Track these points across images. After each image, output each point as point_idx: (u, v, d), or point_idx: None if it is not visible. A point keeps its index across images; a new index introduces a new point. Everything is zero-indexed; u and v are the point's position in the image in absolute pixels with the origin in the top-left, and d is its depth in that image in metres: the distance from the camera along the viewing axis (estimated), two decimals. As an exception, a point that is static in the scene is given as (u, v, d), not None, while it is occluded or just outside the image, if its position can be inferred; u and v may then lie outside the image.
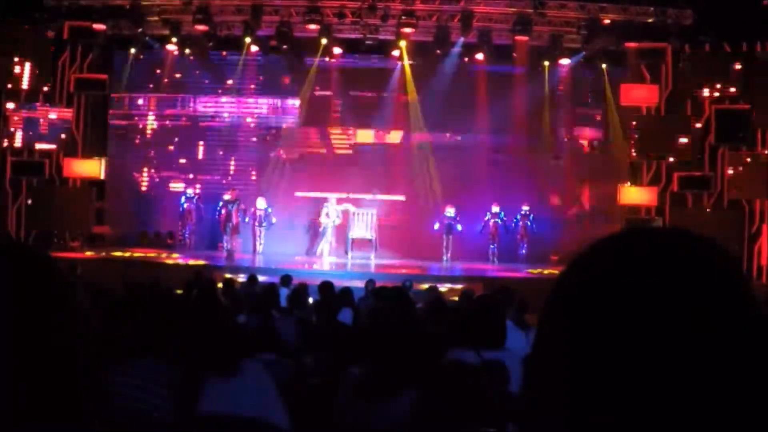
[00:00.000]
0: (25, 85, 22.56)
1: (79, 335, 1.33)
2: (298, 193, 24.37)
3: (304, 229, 23.98)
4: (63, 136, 23.15)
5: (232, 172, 25.28)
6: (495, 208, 23.16)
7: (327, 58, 24.13)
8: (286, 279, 13.51)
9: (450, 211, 23.09)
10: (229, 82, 25.09)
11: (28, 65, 22.40)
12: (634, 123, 23.21)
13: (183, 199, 23.24)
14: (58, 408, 1.27)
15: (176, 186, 24.89)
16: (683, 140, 22.12)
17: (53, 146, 23.09)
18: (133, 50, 23.88)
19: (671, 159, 22.55)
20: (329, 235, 23.00)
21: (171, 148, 25.22)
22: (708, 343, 0.96)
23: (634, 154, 23.43)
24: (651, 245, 1.04)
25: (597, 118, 24.85)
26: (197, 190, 23.69)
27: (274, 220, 23.00)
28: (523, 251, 23.35)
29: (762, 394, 0.96)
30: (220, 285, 11.60)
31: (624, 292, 0.99)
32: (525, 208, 23.30)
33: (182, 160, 25.26)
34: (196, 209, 23.20)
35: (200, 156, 25.34)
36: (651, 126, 22.77)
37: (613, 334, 0.98)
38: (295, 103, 25.03)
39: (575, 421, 1.00)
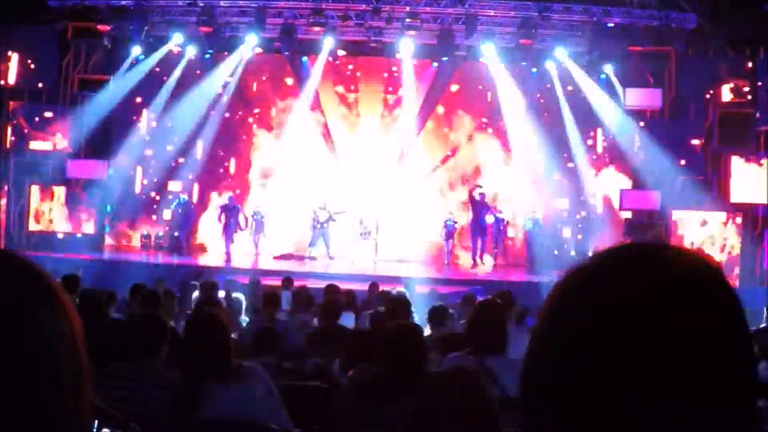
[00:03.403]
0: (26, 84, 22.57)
1: (60, 345, 1.28)
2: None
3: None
4: (66, 136, 23.14)
5: (232, 175, 25.25)
6: (498, 214, 23.03)
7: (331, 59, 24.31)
8: (288, 281, 13.51)
9: (450, 216, 22.96)
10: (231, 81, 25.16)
11: (31, 65, 22.40)
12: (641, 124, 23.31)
13: (175, 204, 23.14)
14: (39, 421, 1.22)
15: (176, 188, 24.89)
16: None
17: (56, 147, 23.08)
18: (137, 51, 23.90)
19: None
20: (315, 240, 22.86)
21: (172, 149, 25.14)
22: (695, 347, 1.01)
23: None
24: (646, 260, 1.09)
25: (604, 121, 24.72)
26: (184, 194, 23.48)
27: (265, 229, 23.17)
28: (530, 257, 23.21)
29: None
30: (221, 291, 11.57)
31: (618, 301, 1.05)
32: (533, 213, 23.22)
33: (183, 162, 25.17)
34: (188, 212, 23.06)
35: (200, 157, 25.27)
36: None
37: (607, 339, 1.03)
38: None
39: (572, 419, 1.04)
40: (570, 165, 24.65)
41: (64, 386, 1.27)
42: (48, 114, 22.88)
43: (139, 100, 24.94)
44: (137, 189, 25.11)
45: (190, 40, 23.48)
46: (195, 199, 24.37)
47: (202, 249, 24.47)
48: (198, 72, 24.83)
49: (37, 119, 22.73)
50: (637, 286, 1.05)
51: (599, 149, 24.82)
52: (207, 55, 24.11)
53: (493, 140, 25.09)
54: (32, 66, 22.30)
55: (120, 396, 4.64)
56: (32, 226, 22.95)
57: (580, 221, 24.60)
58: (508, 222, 23.47)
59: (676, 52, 22.28)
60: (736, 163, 21.68)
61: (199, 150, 25.20)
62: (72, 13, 22.17)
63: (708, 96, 21.99)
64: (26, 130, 22.67)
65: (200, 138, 25.13)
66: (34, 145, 22.88)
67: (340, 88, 25.26)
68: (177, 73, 24.78)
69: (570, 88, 24.32)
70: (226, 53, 24.32)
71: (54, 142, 22.97)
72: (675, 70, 22.77)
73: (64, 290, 1.36)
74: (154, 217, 24.92)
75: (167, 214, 23.92)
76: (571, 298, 1.11)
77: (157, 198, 25.00)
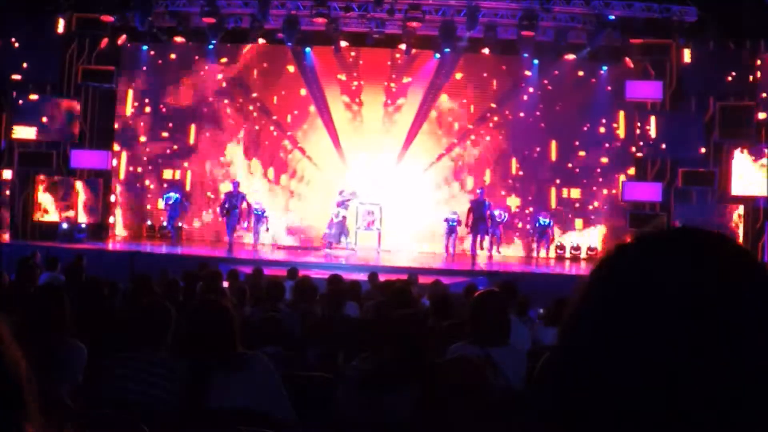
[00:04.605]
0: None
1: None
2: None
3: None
4: (70, 127, 23.15)
5: (233, 165, 25.22)
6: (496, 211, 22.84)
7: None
8: (293, 272, 13.52)
9: (452, 216, 22.53)
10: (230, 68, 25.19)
11: (15, 44, 22.27)
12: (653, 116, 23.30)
13: (164, 198, 22.95)
14: None
15: (171, 176, 24.90)
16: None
17: (60, 138, 23.10)
18: (141, 42, 23.92)
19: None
20: (343, 230, 22.83)
21: (175, 141, 25.12)
22: (735, 327, 1.01)
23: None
24: (692, 242, 1.09)
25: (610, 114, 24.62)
26: (176, 192, 23.25)
27: (267, 227, 23.11)
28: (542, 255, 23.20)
29: None
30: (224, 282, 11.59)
31: (664, 283, 1.04)
32: (544, 219, 23.04)
33: (178, 149, 25.18)
34: (177, 204, 22.83)
35: (197, 145, 25.28)
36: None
37: (650, 321, 1.03)
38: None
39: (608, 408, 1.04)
40: (582, 153, 24.64)
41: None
42: (52, 105, 22.89)
43: (132, 87, 24.96)
44: (121, 176, 25.06)
45: (193, 31, 23.46)
46: (188, 186, 24.47)
47: (204, 239, 24.47)
48: (196, 57, 24.85)
49: (40, 109, 22.73)
50: (687, 271, 1.05)
51: (622, 134, 24.52)
52: (210, 46, 24.10)
53: (498, 129, 25.07)
54: (16, 45, 22.11)
55: (124, 385, 4.68)
56: (36, 216, 22.99)
57: (592, 212, 24.53)
58: (507, 216, 23.34)
59: (676, 45, 22.28)
60: (737, 155, 21.72)
61: (193, 136, 25.18)
62: (76, 4, 22.16)
63: (709, 88, 21.99)
64: (30, 121, 22.68)
65: (197, 126, 25.15)
66: (38, 135, 22.88)
67: (343, 77, 25.23)
68: (173, 57, 24.88)
69: (581, 73, 24.27)
70: (228, 45, 24.37)
71: (58, 132, 22.97)
72: (676, 63, 22.78)
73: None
74: (148, 206, 24.89)
75: (161, 204, 23.78)
76: (607, 281, 1.10)
77: (151, 186, 25.00)
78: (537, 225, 23.20)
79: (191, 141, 25.17)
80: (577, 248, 23.98)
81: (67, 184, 23.34)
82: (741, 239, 21.33)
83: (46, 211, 23.08)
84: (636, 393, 1.01)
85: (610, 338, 1.05)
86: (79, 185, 23.53)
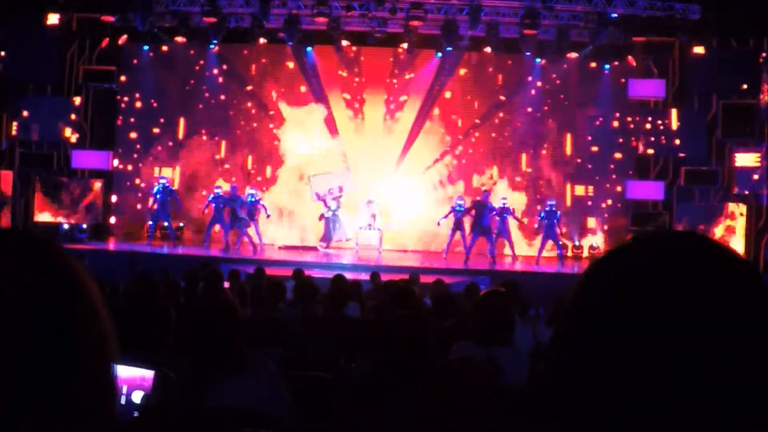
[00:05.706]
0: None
1: (90, 331, 1.30)
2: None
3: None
4: (71, 128, 23.13)
5: (224, 159, 25.19)
6: (503, 202, 22.36)
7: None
8: (299, 273, 13.42)
9: (460, 203, 21.84)
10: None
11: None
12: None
13: (156, 190, 22.48)
14: (64, 406, 1.24)
15: (165, 174, 24.74)
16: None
17: (61, 138, 23.07)
18: (141, 42, 23.92)
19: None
20: (333, 231, 22.75)
21: (159, 132, 25.05)
22: (726, 333, 1.02)
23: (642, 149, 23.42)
24: (682, 247, 1.10)
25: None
26: (163, 180, 22.81)
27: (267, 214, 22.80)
28: (559, 252, 22.18)
29: None
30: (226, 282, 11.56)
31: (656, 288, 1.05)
32: (550, 204, 22.05)
33: (170, 146, 25.07)
34: (167, 199, 22.49)
35: (191, 143, 25.21)
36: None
37: (642, 326, 1.04)
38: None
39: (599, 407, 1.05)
40: (594, 149, 24.54)
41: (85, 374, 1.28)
42: (53, 105, 22.88)
43: (143, 90, 24.93)
44: (145, 178, 24.96)
45: (194, 30, 23.43)
46: (177, 185, 24.42)
47: (207, 238, 24.42)
48: (192, 52, 24.82)
49: (42, 110, 22.70)
50: (677, 268, 1.06)
51: (636, 129, 23.98)
52: (212, 46, 24.09)
53: (504, 126, 24.98)
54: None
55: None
56: (37, 216, 22.97)
57: (606, 210, 24.42)
58: (514, 210, 22.21)
59: (679, 43, 22.23)
60: (740, 153, 21.69)
61: (182, 132, 25.16)
62: (77, 4, 22.13)
63: (712, 87, 21.95)
64: (31, 122, 22.64)
65: (191, 122, 25.11)
66: (39, 136, 22.85)
67: (344, 73, 25.18)
68: (166, 49, 24.84)
69: (593, 64, 24.16)
70: (228, 44, 24.37)
71: (59, 133, 22.94)
72: (679, 61, 22.74)
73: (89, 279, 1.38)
74: (139, 206, 24.78)
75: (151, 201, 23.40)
76: (601, 280, 1.12)
77: (143, 185, 24.89)
78: (542, 217, 21.98)
79: (185, 138, 25.09)
80: (579, 247, 23.92)
81: (68, 184, 23.30)
82: (742, 238, 21.35)
83: (47, 212, 23.04)
84: (635, 393, 1.02)
85: (609, 338, 1.05)
86: (79, 186, 23.49)
